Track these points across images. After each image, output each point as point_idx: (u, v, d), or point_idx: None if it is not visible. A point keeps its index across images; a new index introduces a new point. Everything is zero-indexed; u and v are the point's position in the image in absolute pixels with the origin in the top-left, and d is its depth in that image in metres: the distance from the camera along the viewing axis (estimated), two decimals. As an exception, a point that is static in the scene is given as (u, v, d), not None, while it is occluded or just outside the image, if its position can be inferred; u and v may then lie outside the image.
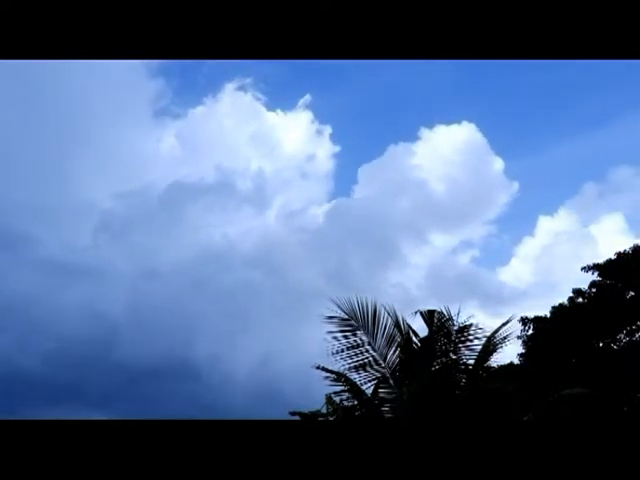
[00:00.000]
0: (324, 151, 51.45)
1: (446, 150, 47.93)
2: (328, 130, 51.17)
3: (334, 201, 50.80)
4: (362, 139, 59.98)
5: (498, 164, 47.28)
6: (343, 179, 54.91)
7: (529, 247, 47.91)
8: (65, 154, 46.05)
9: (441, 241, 51.64)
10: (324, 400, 11.24)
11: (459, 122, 47.99)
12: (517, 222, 54.70)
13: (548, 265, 44.75)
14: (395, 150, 48.92)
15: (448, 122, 48.47)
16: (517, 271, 45.78)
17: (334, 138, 51.73)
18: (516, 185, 47.65)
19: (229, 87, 53.91)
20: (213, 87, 56.24)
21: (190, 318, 39.09)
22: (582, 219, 50.24)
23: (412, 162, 47.71)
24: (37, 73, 41.40)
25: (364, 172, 49.15)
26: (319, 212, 48.22)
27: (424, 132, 49.15)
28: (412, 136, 54.05)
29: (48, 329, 37.08)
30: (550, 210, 51.05)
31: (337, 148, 51.06)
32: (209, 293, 41.93)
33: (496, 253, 51.28)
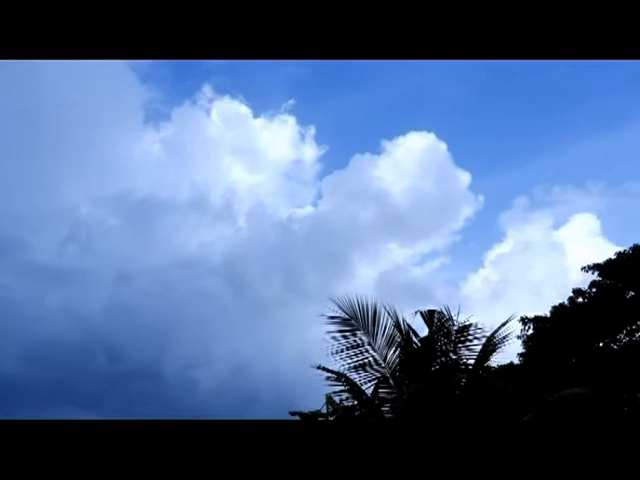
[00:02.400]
0: (303, 160, 52.65)
1: (411, 162, 49.27)
2: (310, 139, 52.36)
3: (306, 210, 51.55)
4: (345, 146, 60.19)
5: (465, 177, 48.51)
6: (316, 188, 55.22)
7: (492, 257, 49.05)
8: (45, 157, 46.50)
9: (402, 252, 52.40)
10: (299, 401, 11.29)
11: (427, 133, 48.84)
12: (481, 234, 55.01)
13: (506, 275, 45.41)
14: (361, 160, 50.10)
15: (418, 132, 48.91)
16: (476, 281, 46.42)
17: (316, 146, 52.66)
18: (481, 198, 49.00)
19: (216, 93, 54.49)
20: (200, 92, 56.33)
21: (166, 322, 40.39)
22: (549, 228, 50.89)
23: (376, 173, 49.19)
24: (21, 77, 41.61)
25: (331, 182, 50.56)
26: (290, 220, 48.93)
27: (391, 144, 50.57)
28: (378, 148, 54.52)
29: (26, 331, 37.42)
30: (516, 220, 51.56)
31: (320, 154, 51.92)
32: (181, 298, 43.00)
33: (457, 265, 51.78)
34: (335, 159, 62.31)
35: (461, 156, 58.08)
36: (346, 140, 59.42)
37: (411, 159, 48.66)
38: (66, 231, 46.83)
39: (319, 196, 54.29)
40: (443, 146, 47.54)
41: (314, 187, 54.37)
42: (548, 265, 45.52)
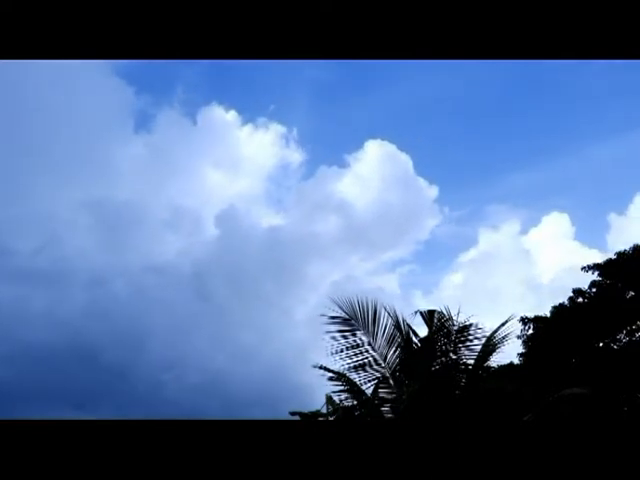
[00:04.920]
0: (283, 167, 53.40)
1: (376, 173, 50.17)
2: (292, 146, 52.87)
3: (282, 218, 52.23)
4: (327, 153, 60.69)
5: (432, 189, 49.60)
6: (290, 197, 55.46)
7: (460, 265, 50.12)
8: (26, 160, 47.03)
9: (371, 261, 53.44)
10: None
11: (389, 143, 49.23)
12: (447, 245, 55.25)
13: (474, 282, 46.15)
14: (327, 171, 51.22)
15: (388, 144, 49.27)
16: (443, 289, 46.67)
17: (297, 153, 53.20)
18: (447, 210, 50.21)
19: (201, 98, 55.34)
20: (185, 97, 56.35)
21: (142, 326, 41.40)
22: (517, 234, 51.90)
23: (341, 185, 50.26)
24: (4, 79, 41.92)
25: (304, 190, 51.73)
26: (264, 229, 49.50)
27: (357, 156, 51.74)
28: (345, 161, 55.26)
29: (6, 333, 37.87)
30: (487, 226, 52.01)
31: (300, 161, 52.78)
32: (156, 303, 43.94)
33: (423, 274, 52.53)
34: (317, 165, 62.50)
35: (430, 168, 59.73)
36: (328, 147, 60.09)
37: (376, 171, 50.18)
38: (45, 235, 47.30)
39: (293, 205, 54.84)
40: (408, 158, 48.93)
41: (288, 196, 55.23)
42: (517, 271, 46.66)
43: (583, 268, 18.04)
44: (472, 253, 50.55)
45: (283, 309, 44.57)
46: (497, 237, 50.18)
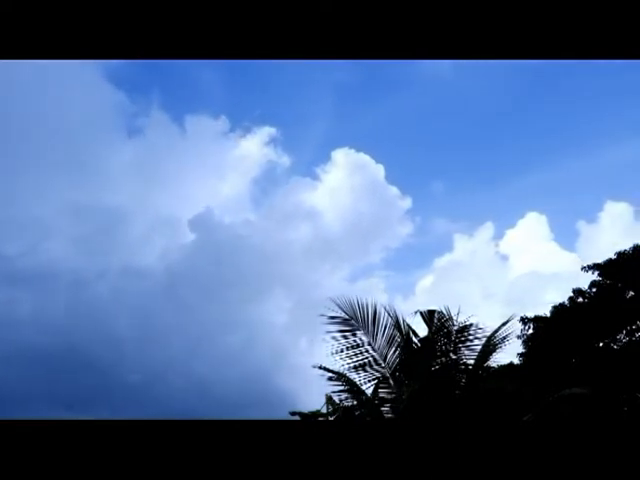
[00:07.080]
0: (266, 171, 53.87)
1: (347, 183, 50.67)
2: (280, 150, 53.91)
3: (258, 224, 52.30)
4: (308, 160, 61.12)
5: (406, 202, 50.51)
6: (270, 202, 55.78)
7: (434, 270, 50.78)
8: (13, 163, 47.25)
9: (347, 269, 54.08)
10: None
11: (356, 152, 49.46)
12: (418, 252, 55.31)
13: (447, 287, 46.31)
14: (302, 181, 52.36)
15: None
16: (415, 297, 46.74)
17: (282, 157, 53.94)
18: (418, 219, 51.82)
19: (189, 103, 55.94)
20: (174, 102, 56.80)
21: (125, 328, 41.83)
22: (490, 240, 52.28)
23: (315, 194, 51.33)
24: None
25: (276, 198, 52.77)
26: (240, 234, 49.53)
27: (331, 167, 51.98)
28: (314, 172, 55.85)
29: None
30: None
31: (286, 166, 53.41)
32: (135, 305, 44.51)
33: (396, 280, 53.10)
34: (299, 172, 62.43)
35: (404, 175, 60.50)
36: (309, 151, 60.46)
37: (348, 180, 50.80)
38: (32, 238, 47.73)
39: (273, 211, 54.82)
40: (381, 168, 49.26)
41: (268, 202, 55.80)
42: (494, 275, 47.59)
43: (583, 268, 18.03)
44: (447, 258, 51.57)
45: (261, 314, 45.44)
46: (472, 243, 51.39)
